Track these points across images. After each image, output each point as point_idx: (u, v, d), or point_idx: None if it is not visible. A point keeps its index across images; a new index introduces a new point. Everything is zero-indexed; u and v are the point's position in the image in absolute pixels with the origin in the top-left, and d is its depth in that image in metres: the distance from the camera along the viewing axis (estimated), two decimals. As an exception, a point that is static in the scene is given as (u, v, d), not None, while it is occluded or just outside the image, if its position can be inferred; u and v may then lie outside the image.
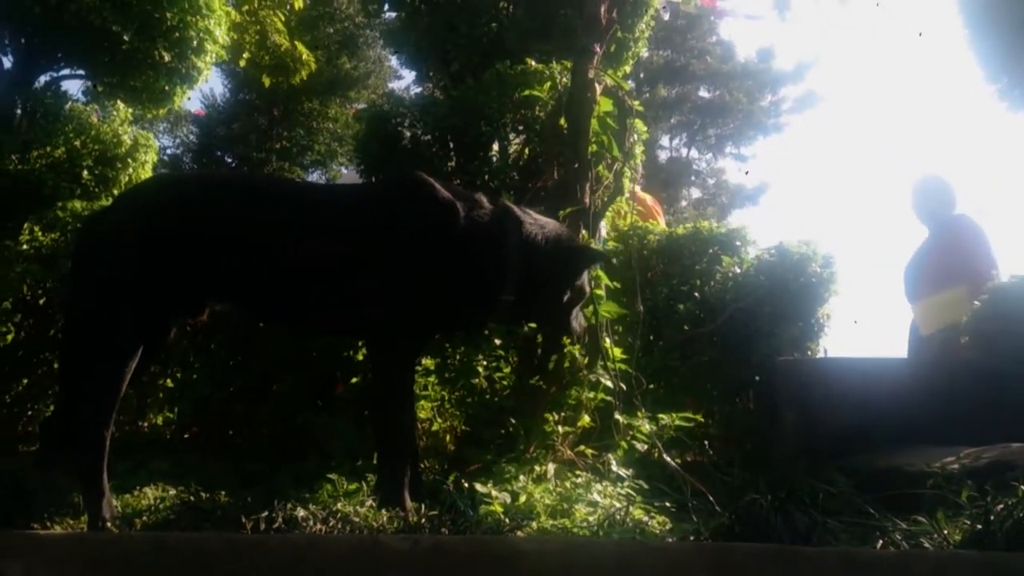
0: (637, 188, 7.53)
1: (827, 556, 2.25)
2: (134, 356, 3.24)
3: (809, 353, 5.71)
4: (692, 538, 2.58)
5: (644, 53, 15.45)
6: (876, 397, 4.73)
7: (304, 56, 10.41)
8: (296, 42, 10.55)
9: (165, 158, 18.13)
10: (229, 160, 18.86)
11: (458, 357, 4.27)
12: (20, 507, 2.65)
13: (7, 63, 5.71)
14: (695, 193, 30.81)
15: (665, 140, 30.43)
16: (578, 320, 3.91)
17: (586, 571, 2.21)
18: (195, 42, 5.58)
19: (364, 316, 3.45)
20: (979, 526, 2.62)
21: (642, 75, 28.45)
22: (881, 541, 2.58)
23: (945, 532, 2.67)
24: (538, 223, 3.70)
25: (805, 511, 2.48)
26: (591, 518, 3.17)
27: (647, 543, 2.37)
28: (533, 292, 3.60)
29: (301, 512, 2.70)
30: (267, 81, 10.71)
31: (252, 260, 3.38)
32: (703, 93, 30.64)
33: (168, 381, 5.27)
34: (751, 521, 2.45)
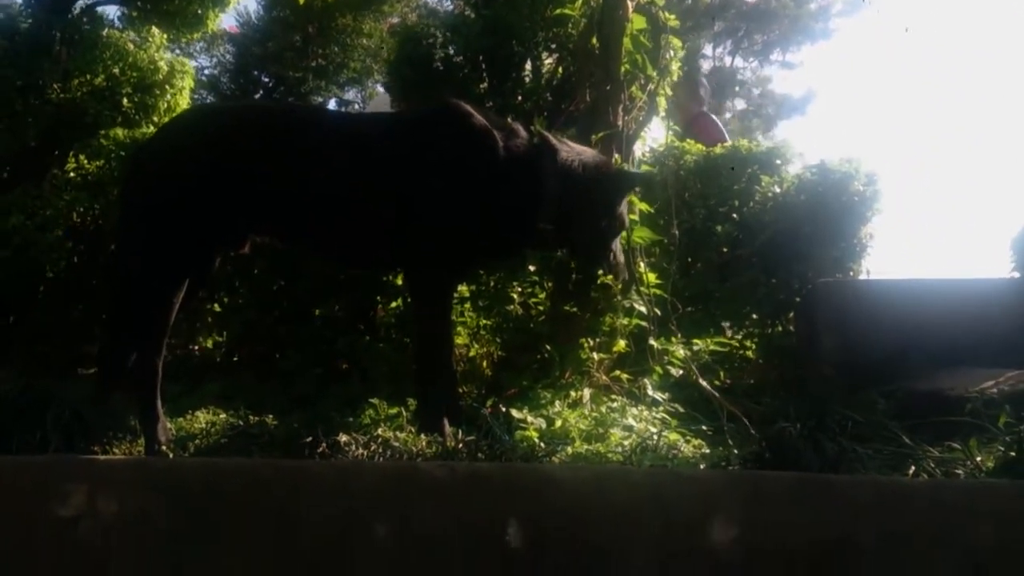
0: (705, 110, 7.32)
1: (856, 484, 2.29)
2: (182, 287, 3.35)
3: (851, 274, 5.66)
4: (724, 465, 2.64)
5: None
6: (918, 319, 4.70)
7: (338, -30, 10.22)
8: (330, -45, 10.35)
9: (203, 78, 18.04)
10: (266, 79, 18.74)
11: (493, 284, 4.32)
12: (81, 432, 2.79)
13: (43, -9, 5.74)
14: (740, 104, 30.02)
15: (708, 49, 29.52)
16: (616, 253, 3.92)
17: (619, 498, 2.28)
18: (227, -37, 5.57)
19: (404, 247, 3.49)
20: (1012, 453, 2.64)
21: (685, -21, 27.48)
22: (912, 468, 2.62)
23: (979, 459, 2.70)
24: (575, 151, 3.69)
25: (834, 439, 2.51)
26: (625, 442, 3.24)
27: (679, 471, 2.44)
28: (571, 220, 3.61)
29: (344, 437, 2.81)
30: (301, 0, 10.58)
31: (293, 192, 3.43)
32: (748, -3, 29.51)
33: (216, 306, 5.40)
34: (781, 449, 2.50)
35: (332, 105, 20.41)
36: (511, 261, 4.26)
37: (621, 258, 3.98)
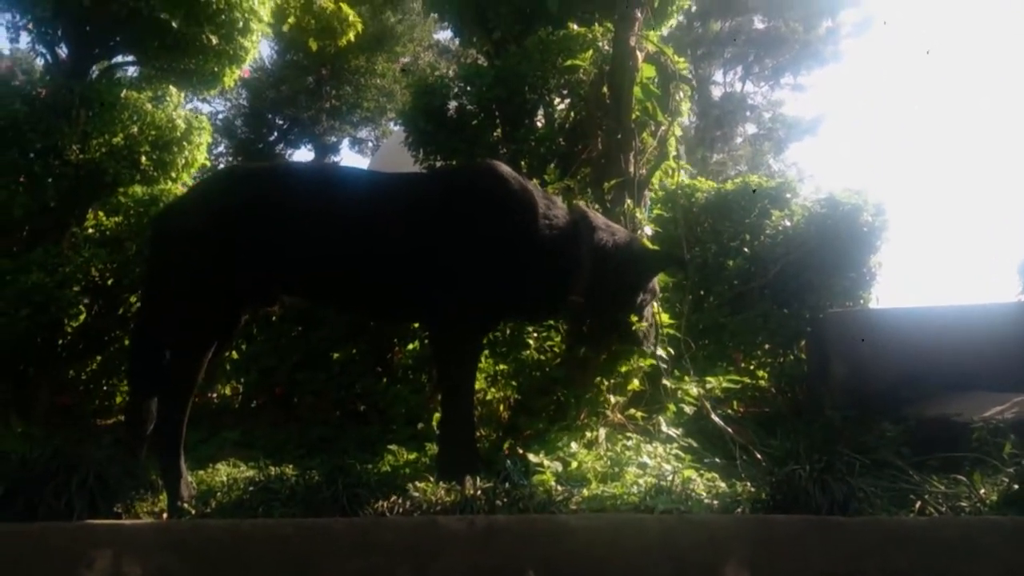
0: None
1: (862, 525, 2.34)
2: (210, 347, 3.42)
3: (861, 303, 5.72)
4: (736, 508, 2.68)
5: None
6: (927, 345, 4.74)
7: (350, 18, 10.39)
8: (341, 3, 10.53)
9: (217, 123, 18.40)
10: (280, 121, 19.07)
11: (509, 330, 4.38)
12: (104, 496, 2.85)
13: (62, 55, 5.91)
14: (751, 128, 30.07)
15: (719, 75, 29.66)
16: (647, 316, 3.98)
17: (632, 545, 2.34)
18: (240, 23, 5.68)
19: (437, 307, 3.50)
20: (1016, 486, 2.68)
21: (693, 9, 27.67)
22: (919, 504, 2.66)
23: (982, 492, 2.73)
24: (610, 230, 3.76)
25: (842, 479, 2.55)
26: (640, 480, 3.28)
27: (690, 517, 2.48)
28: (601, 297, 3.67)
29: (362, 491, 2.86)
30: (314, 45, 10.74)
31: (324, 254, 3.45)
32: (757, 24, 29.68)
33: (234, 353, 5.48)
34: (790, 491, 2.54)
35: (346, 144, 20.76)
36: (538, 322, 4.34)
37: (652, 321, 4.05)
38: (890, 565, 2.20)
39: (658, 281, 4.21)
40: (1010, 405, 3.90)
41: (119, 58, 6.22)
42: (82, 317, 5.41)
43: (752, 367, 5.62)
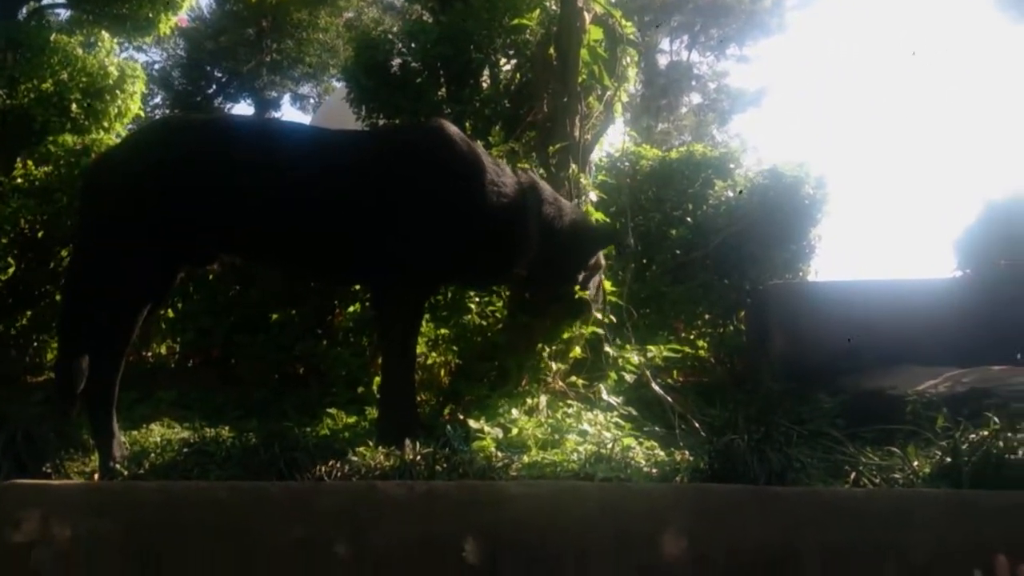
0: None
1: (798, 496, 2.38)
2: (144, 305, 3.32)
3: (801, 275, 5.82)
4: (675, 477, 2.71)
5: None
6: (865, 319, 4.84)
7: (291, -35, 10.13)
8: (280, -50, 10.24)
9: (154, 73, 17.80)
10: (219, 74, 18.54)
11: (449, 294, 4.34)
12: (32, 455, 2.76)
13: (-12, -6, 5.64)
14: (696, 98, 30.25)
15: (665, 44, 29.69)
16: (593, 287, 3.98)
17: (573, 514, 2.34)
18: (177, -32, 5.51)
19: (379, 269, 3.43)
20: (948, 459, 2.75)
21: (641, -26, 27.60)
22: (854, 475, 2.72)
23: (915, 464, 2.81)
24: (557, 204, 3.72)
25: (780, 449, 2.60)
26: (581, 448, 3.29)
27: (630, 487, 2.50)
28: (545, 271, 3.67)
29: (300, 455, 2.81)
30: (254, -6, 10.49)
31: (268, 212, 3.34)
32: (705, -8, 29.71)
33: (170, 312, 5.35)
34: (728, 461, 2.57)
35: (287, 100, 20.31)
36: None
37: (597, 293, 4.06)
38: (826, 536, 2.25)
39: (602, 253, 4.22)
40: (943, 379, 4.02)
41: (48, 0, 5.95)
42: (11, 271, 5.22)
43: (692, 337, 5.69)
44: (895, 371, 4.33)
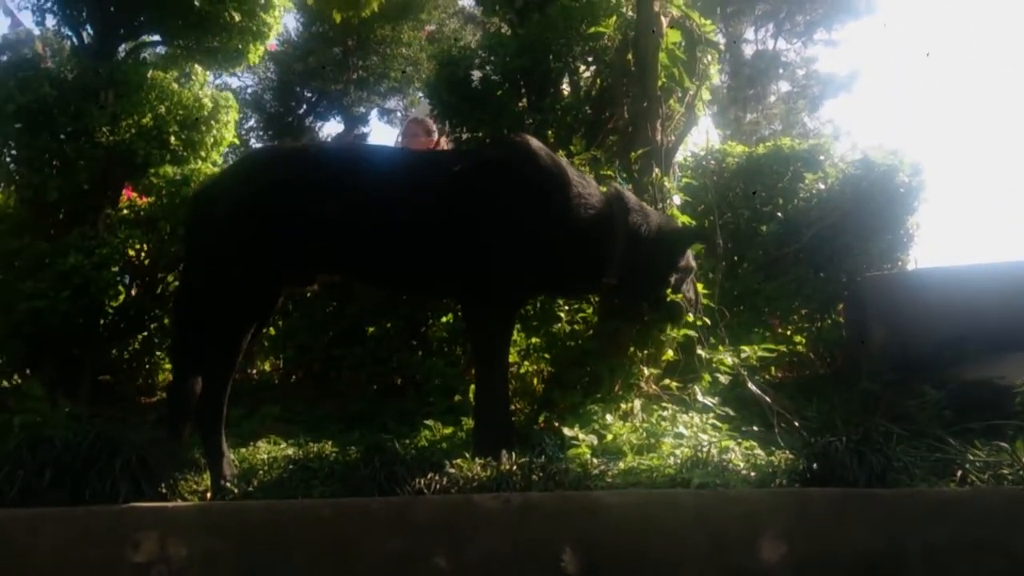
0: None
1: (900, 497, 2.31)
2: (250, 327, 3.50)
3: (899, 265, 5.62)
4: (772, 481, 2.66)
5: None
6: (969, 306, 4.62)
7: (373, -14, 10.29)
8: (363, -27, 10.42)
9: (246, 97, 18.44)
10: (308, 94, 19.06)
11: (539, 304, 4.37)
12: (147, 477, 2.90)
13: (87, 37, 5.92)
14: (784, 86, 29.48)
15: (750, 33, 29.06)
16: (688, 291, 3.97)
17: (668, 521, 2.34)
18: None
19: (471, 284, 3.52)
20: (1061, 453, 2.63)
21: (721, -33, 27.10)
22: (959, 473, 2.62)
23: (1024, 460, 2.68)
24: (643, 212, 3.73)
25: (880, 450, 2.52)
26: (677, 451, 3.27)
27: (725, 493, 2.47)
28: (634, 279, 3.66)
29: (399, 469, 2.88)
30: (338, 17, 10.70)
31: (367, 234, 3.46)
32: (789, -21, 28.95)
33: (271, 330, 5.54)
34: (827, 463, 2.52)
35: (375, 115, 20.74)
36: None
37: (692, 295, 4.04)
38: (931, 538, 2.18)
39: (692, 252, 4.17)
40: (1056, 368, 3.82)
41: (144, 38, 6.23)
42: (121, 297, 5.48)
43: (789, 332, 5.57)
44: (1003, 360, 4.14)
